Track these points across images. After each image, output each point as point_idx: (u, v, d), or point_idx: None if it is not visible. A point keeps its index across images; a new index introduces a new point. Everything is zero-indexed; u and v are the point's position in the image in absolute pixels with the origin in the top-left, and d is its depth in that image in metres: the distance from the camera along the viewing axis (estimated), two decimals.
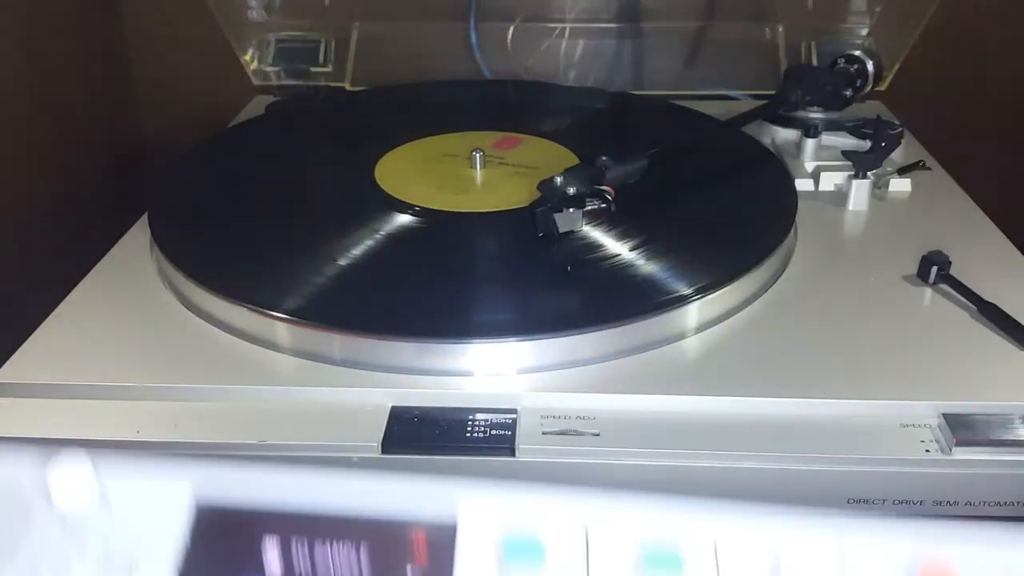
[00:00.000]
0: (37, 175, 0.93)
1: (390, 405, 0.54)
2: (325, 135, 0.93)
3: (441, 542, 0.34)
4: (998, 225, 0.75)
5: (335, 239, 0.70)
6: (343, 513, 0.35)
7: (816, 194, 0.84)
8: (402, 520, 0.35)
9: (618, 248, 0.68)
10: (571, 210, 0.68)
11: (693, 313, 0.62)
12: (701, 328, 0.62)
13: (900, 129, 0.88)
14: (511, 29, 1.07)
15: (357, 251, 0.68)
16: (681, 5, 1.06)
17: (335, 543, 0.34)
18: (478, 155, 0.81)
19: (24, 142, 0.90)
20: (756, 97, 1.02)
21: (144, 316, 0.64)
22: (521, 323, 0.60)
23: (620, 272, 0.65)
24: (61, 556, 0.35)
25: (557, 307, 0.63)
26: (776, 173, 0.82)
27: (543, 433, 0.52)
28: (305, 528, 0.35)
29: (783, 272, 0.69)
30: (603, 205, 0.70)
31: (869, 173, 0.81)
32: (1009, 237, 0.73)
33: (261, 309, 0.60)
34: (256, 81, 1.11)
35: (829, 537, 0.34)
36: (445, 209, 0.74)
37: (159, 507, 0.36)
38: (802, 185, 0.83)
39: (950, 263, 0.65)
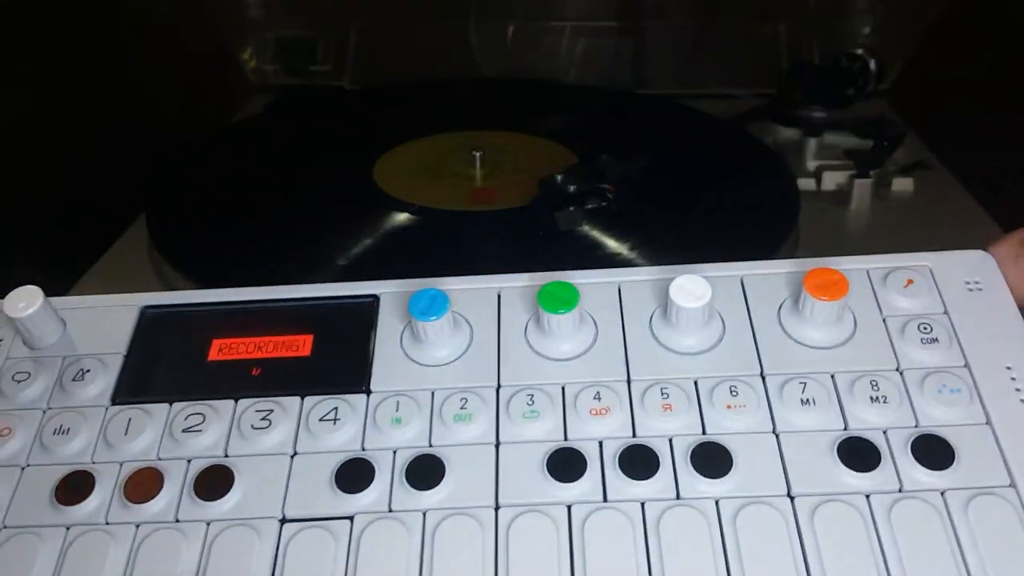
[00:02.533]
0: (35, 175, 0.98)
1: None
2: (324, 135, 0.98)
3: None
4: (1001, 225, 0.80)
5: (334, 239, 0.76)
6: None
7: (818, 193, 0.90)
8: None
9: (618, 247, 0.73)
10: (571, 208, 0.74)
11: None
12: None
13: (902, 128, 0.94)
14: (511, 29, 1.13)
15: (356, 251, 0.75)
16: (682, 3, 1.11)
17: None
18: (478, 155, 0.87)
19: (23, 142, 0.95)
20: (758, 96, 1.06)
21: None
22: None
23: None
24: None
25: None
26: (778, 172, 0.88)
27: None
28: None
29: None
30: (603, 204, 0.76)
31: (871, 172, 0.88)
32: None
33: None
34: (254, 80, 1.17)
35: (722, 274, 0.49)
36: (445, 208, 0.80)
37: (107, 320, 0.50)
38: (804, 184, 0.89)
39: None
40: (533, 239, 0.74)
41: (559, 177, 0.76)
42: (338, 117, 1.04)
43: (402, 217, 0.79)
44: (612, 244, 0.74)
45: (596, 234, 0.75)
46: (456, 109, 1.04)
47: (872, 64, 0.98)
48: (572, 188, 0.76)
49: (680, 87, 1.11)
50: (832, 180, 0.91)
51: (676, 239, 0.75)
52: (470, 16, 1.11)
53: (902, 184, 0.90)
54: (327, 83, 1.17)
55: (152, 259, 0.79)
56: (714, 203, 0.81)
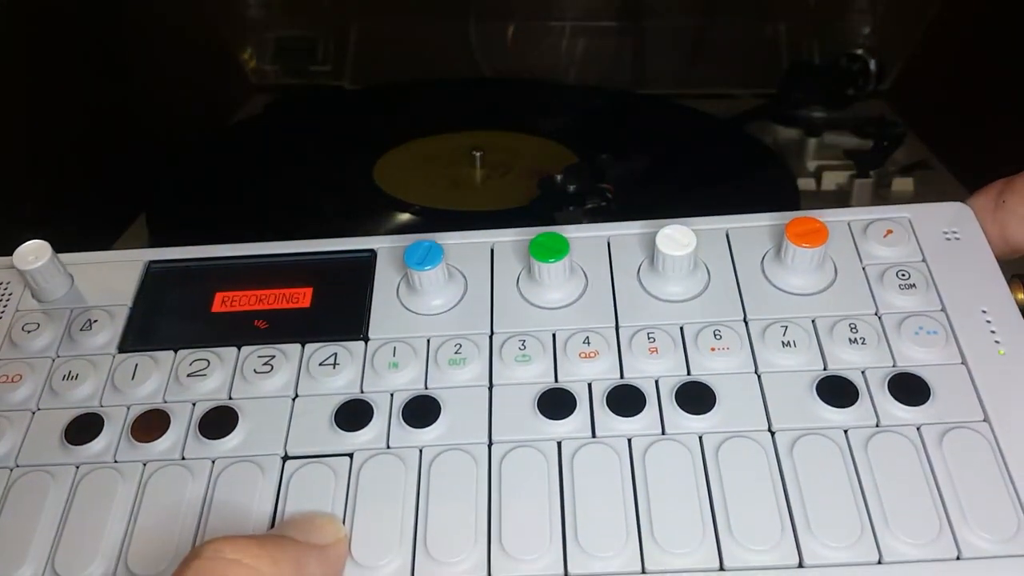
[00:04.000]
0: (35, 175, 1.00)
1: None
2: (324, 135, 1.02)
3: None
4: None
5: (333, 238, 0.79)
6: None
7: (818, 194, 0.94)
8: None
9: None
10: (571, 208, 0.78)
11: None
12: None
13: (902, 128, 0.97)
14: (511, 29, 1.16)
15: None
16: (682, 3, 1.14)
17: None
18: (478, 155, 0.91)
19: (22, 142, 0.98)
20: (758, 96, 1.10)
21: None
22: None
23: None
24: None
25: None
26: (778, 172, 0.92)
27: None
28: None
29: None
30: (603, 203, 0.79)
31: (871, 172, 0.92)
32: None
33: None
34: (254, 80, 1.21)
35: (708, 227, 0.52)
36: (445, 208, 0.83)
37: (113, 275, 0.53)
38: (804, 185, 0.93)
39: None
40: None
41: (559, 177, 0.80)
42: (338, 117, 1.07)
43: (402, 217, 0.82)
44: None
45: None
46: (456, 109, 1.08)
47: (872, 64, 1.02)
48: (572, 188, 0.79)
49: (680, 87, 1.15)
50: (832, 180, 0.95)
51: None
52: (470, 16, 1.14)
53: (902, 184, 0.93)
54: (327, 83, 1.21)
55: None
56: (714, 203, 0.82)
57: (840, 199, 0.93)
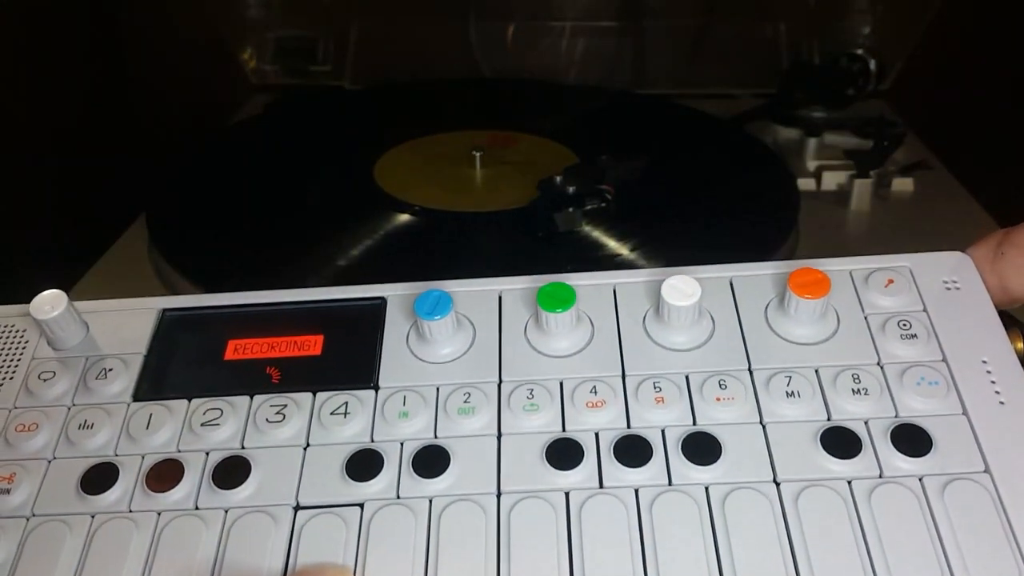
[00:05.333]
0: (35, 175, 1.01)
1: None
2: (324, 135, 1.02)
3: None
4: (1001, 224, 0.80)
5: (333, 239, 0.80)
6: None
7: (818, 194, 0.94)
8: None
9: (618, 248, 0.77)
10: (571, 209, 0.78)
11: None
12: None
13: (902, 128, 0.98)
14: (511, 29, 1.17)
15: (356, 251, 0.79)
16: (682, 3, 1.15)
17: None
18: (478, 155, 0.91)
19: (22, 142, 0.98)
20: (758, 96, 1.11)
21: None
22: None
23: None
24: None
25: None
26: (777, 172, 0.92)
27: None
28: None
29: None
30: (603, 204, 0.79)
31: (871, 172, 0.92)
32: None
33: None
34: (254, 80, 1.22)
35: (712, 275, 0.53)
36: (445, 208, 0.84)
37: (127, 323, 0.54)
38: (804, 185, 0.94)
39: None
40: (533, 240, 0.78)
41: (559, 178, 0.80)
42: (338, 117, 1.08)
43: (402, 217, 0.83)
44: (612, 245, 0.78)
45: (596, 235, 0.78)
46: (456, 109, 1.08)
47: (872, 64, 1.02)
48: (571, 189, 0.80)
49: (680, 87, 1.16)
50: (832, 180, 0.95)
51: (676, 240, 0.78)
52: (470, 16, 1.15)
53: (902, 184, 0.94)
54: (327, 83, 1.21)
55: (152, 258, 0.83)
56: (714, 203, 0.84)
57: (840, 199, 0.93)
